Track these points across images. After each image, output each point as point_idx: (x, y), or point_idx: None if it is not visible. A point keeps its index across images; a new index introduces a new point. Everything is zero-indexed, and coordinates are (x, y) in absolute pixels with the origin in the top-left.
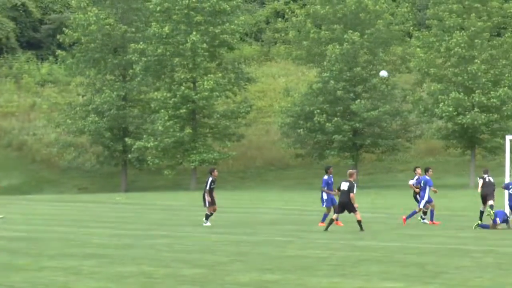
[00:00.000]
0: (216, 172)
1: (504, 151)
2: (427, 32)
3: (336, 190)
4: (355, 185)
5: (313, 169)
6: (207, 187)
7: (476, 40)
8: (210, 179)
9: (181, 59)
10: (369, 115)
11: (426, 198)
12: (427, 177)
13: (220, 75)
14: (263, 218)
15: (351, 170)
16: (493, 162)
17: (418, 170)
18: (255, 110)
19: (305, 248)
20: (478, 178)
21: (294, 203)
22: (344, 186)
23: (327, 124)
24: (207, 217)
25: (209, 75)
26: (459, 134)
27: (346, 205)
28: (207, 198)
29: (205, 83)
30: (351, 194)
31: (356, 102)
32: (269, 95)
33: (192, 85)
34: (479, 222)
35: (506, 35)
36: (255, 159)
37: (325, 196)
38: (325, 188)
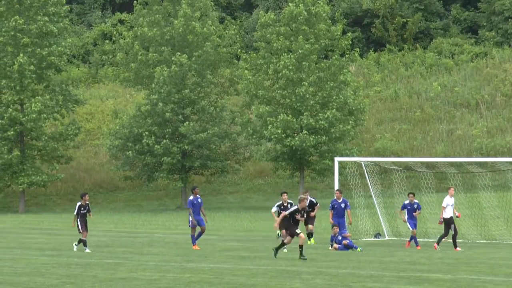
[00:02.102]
0: (86, 197)
1: (332, 173)
2: (255, 55)
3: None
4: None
5: (142, 192)
6: (75, 213)
7: (304, 63)
8: (78, 204)
9: (8, 81)
10: (198, 137)
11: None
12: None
13: (48, 97)
14: (93, 240)
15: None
16: (322, 184)
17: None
18: (84, 132)
19: (136, 271)
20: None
21: (124, 225)
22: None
23: (156, 146)
24: (83, 242)
25: (37, 97)
26: (288, 156)
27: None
28: (79, 223)
29: (33, 105)
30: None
31: (185, 124)
32: (97, 117)
33: (19, 107)
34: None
35: (334, 57)
36: (84, 181)
37: (190, 217)
38: (191, 209)
